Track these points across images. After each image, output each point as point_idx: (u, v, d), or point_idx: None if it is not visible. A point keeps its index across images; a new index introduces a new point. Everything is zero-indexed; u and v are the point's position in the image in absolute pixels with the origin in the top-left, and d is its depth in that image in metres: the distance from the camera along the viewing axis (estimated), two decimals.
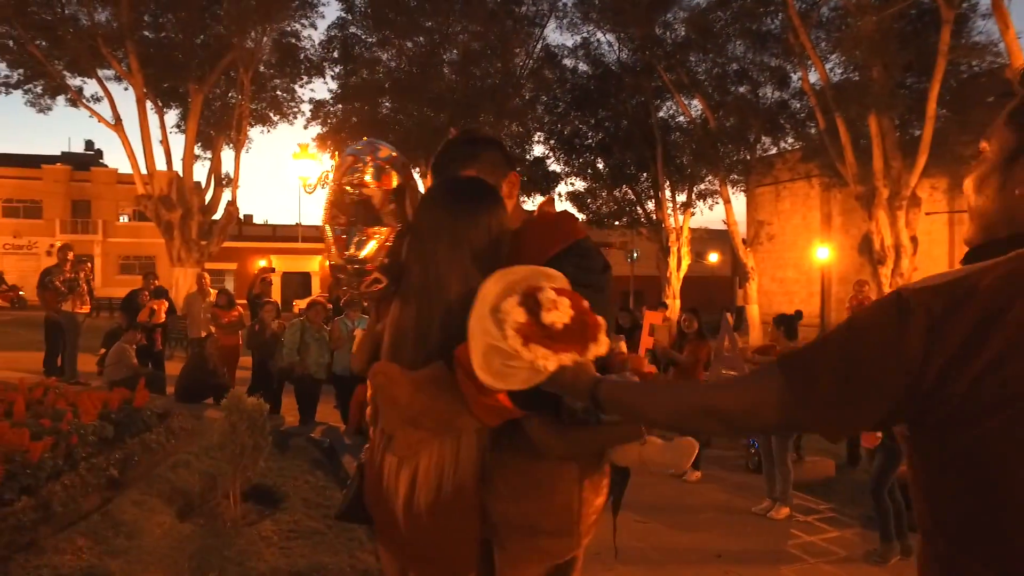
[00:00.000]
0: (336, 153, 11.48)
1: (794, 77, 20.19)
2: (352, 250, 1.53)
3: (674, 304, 24.05)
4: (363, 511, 1.67)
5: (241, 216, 36.75)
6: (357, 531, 4.15)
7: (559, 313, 1.20)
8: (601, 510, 1.71)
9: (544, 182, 26.73)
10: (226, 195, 20.69)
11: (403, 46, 21.71)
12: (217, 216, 20.49)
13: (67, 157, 34.81)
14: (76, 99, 19.07)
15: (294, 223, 33.98)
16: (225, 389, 8.42)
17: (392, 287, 1.58)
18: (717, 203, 24.17)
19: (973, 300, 0.81)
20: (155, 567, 3.30)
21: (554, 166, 26.73)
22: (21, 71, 18.51)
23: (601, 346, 1.26)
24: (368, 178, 1.55)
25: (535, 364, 1.19)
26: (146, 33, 18.80)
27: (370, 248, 1.54)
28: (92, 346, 10.08)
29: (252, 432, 4.01)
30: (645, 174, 24.69)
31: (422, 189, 1.70)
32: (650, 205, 24.91)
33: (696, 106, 22.61)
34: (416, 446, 1.44)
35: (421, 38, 21.60)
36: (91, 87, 19.55)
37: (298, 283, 34.32)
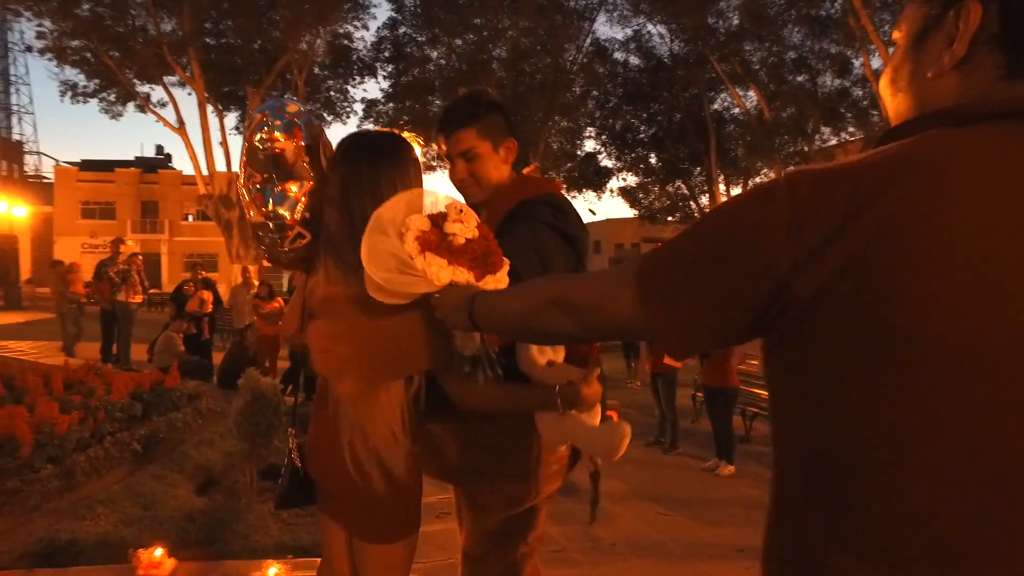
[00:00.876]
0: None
1: (856, 63, 19.31)
2: (271, 206, 1.52)
3: None
4: (301, 493, 1.69)
5: None
6: None
7: (463, 227, 1.18)
8: (565, 460, 1.71)
9: (596, 178, 26.49)
10: None
11: (452, 44, 21.90)
12: None
13: (140, 161, 36.77)
14: (144, 105, 20.10)
15: None
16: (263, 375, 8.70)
17: (314, 242, 1.56)
18: None
19: (843, 184, 0.66)
20: (165, 536, 3.38)
21: (605, 161, 26.46)
22: (96, 81, 19.62)
23: (500, 281, 1.20)
24: (277, 133, 1.53)
25: (427, 272, 1.15)
26: (207, 40, 19.62)
27: (289, 203, 1.53)
28: (148, 336, 10.55)
29: (267, 412, 4.07)
30: (699, 168, 24.15)
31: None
32: (704, 199, 24.32)
33: (751, 97, 21.94)
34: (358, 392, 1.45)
35: (470, 35, 21.73)
36: (158, 93, 20.52)
37: None
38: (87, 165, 35.13)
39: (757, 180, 23.40)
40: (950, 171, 0.63)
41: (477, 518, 1.74)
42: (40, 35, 18.70)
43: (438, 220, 1.19)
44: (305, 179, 1.54)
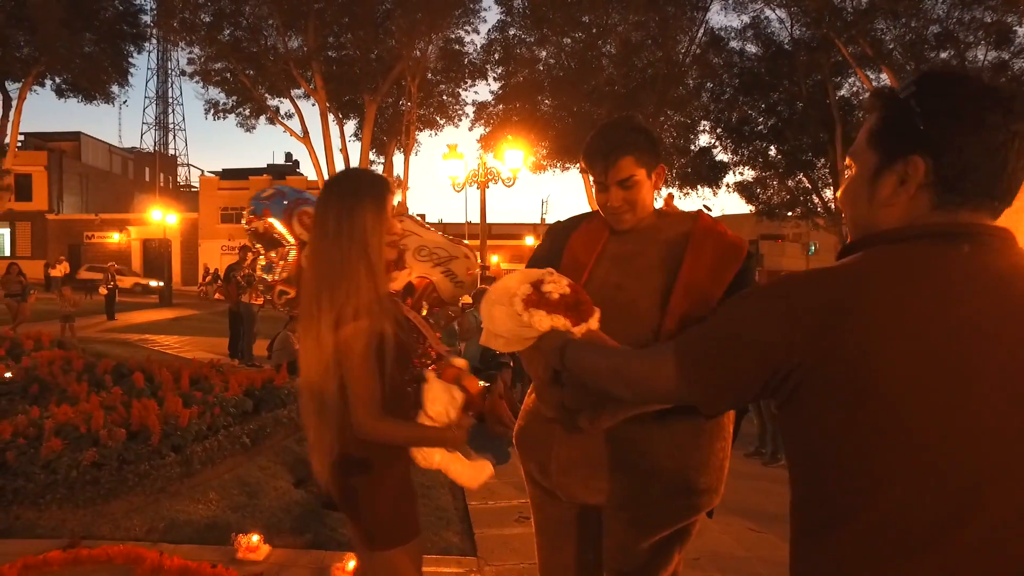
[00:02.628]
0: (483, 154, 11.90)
1: (1019, 32, 17.22)
2: (258, 271, 1.73)
3: None
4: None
5: (416, 216, 39.58)
6: (447, 511, 4.30)
7: (556, 286, 1.46)
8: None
9: (710, 173, 25.54)
10: (398, 196, 22.47)
11: (561, 42, 21.91)
12: None
13: (271, 168, 39.95)
14: (274, 117, 21.82)
15: (463, 221, 35.77)
16: None
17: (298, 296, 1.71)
18: None
19: (824, 289, 0.93)
20: (263, 523, 3.68)
21: (721, 156, 25.43)
22: (234, 98, 21.53)
23: (591, 324, 1.45)
24: (251, 214, 1.74)
25: (531, 322, 1.41)
26: (329, 53, 20.92)
27: (268, 267, 1.73)
28: (271, 333, 11.46)
29: None
30: (823, 159, 22.61)
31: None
32: (828, 193, 22.75)
33: (884, 80, 20.20)
34: None
35: (579, 33, 21.64)
36: (286, 106, 22.17)
37: None
38: (226, 174, 38.66)
39: None
40: (890, 280, 0.91)
41: (638, 534, 1.68)
42: (190, 61, 20.84)
43: (537, 284, 1.48)
44: (287, 245, 1.70)
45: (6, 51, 19.68)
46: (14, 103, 20.83)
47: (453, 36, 21.80)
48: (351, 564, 3.18)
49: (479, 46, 23.00)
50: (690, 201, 25.36)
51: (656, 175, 1.72)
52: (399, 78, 20.90)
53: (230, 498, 4.03)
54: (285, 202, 1.80)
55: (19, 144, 23.88)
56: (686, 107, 23.05)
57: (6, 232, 33.45)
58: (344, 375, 1.57)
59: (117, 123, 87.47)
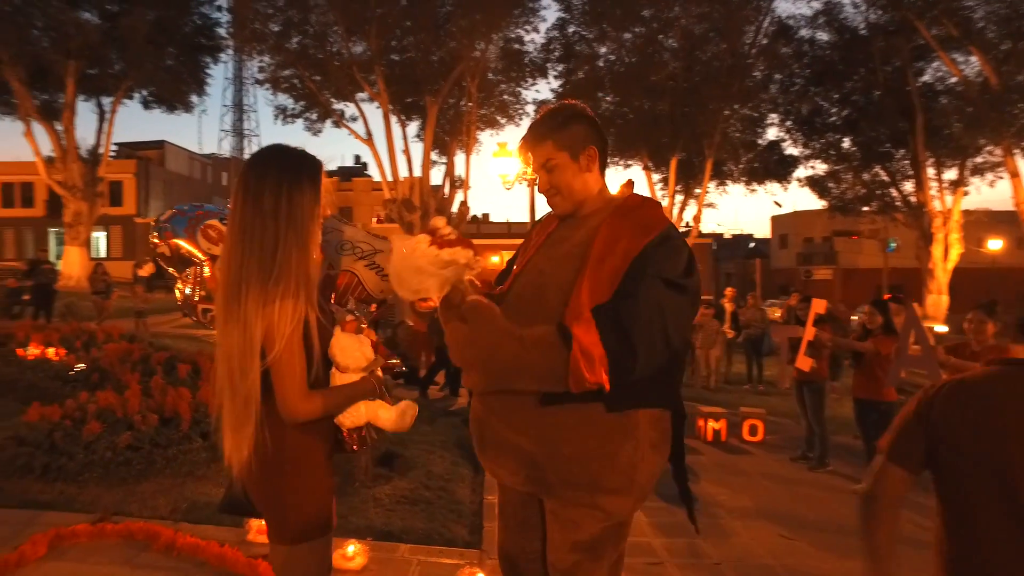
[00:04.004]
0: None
1: None
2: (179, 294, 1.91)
3: (940, 301, 20.43)
4: (244, 503, 1.74)
5: (479, 215, 40.21)
6: (463, 504, 4.31)
7: (447, 230, 1.62)
8: (658, 475, 1.71)
9: (779, 168, 24.59)
10: (459, 196, 22.76)
11: (621, 38, 21.60)
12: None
13: (340, 171, 41.53)
14: (339, 121, 22.49)
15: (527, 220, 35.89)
16: (414, 372, 9.28)
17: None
18: (1000, 178, 20.00)
19: (956, 395, 1.44)
20: None
21: (790, 149, 24.44)
22: (302, 103, 22.35)
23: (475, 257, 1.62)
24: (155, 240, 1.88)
25: (455, 256, 1.55)
26: (392, 56, 21.39)
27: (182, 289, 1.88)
28: None
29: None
30: (902, 150, 21.35)
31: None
32: (908, 186, 21.48)
33: (971, 63, 18.88)
34: None
35: (639, 28, 21.27)
36: (350, 109, 22.84)
37: None
38: None
39: (978, 161, 20.11)
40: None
41: (566, 530, 1.68)
42: (260, 69, 21.80)
43: (432, 233, 1.62)
44: (194, 263, 1.77)
45: (102, 69, 21.22)
46: (107, 116, 22.42)
47: (512, 35, 21.85)
48: (351, 548, 3.25)
49: (538, 45, 22.93)
50: (757, 198, 24.60)
51: (585, 157, 1.71)
52: (460, 79, 21.13)
53: None
54: (185, 219, 1.91)
55: (112, 154, 25.65)
56: (752, 100, 22.27)
57: (102, 235, 35.97)
58: (269, 356, 1.53)
59: (197, 131, 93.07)
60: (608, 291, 1.55)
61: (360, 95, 21.71)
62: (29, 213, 37.20)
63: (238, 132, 60.19)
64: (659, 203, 1.82)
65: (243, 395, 1.54)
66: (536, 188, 1.88)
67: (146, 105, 23.02)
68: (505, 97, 23.56)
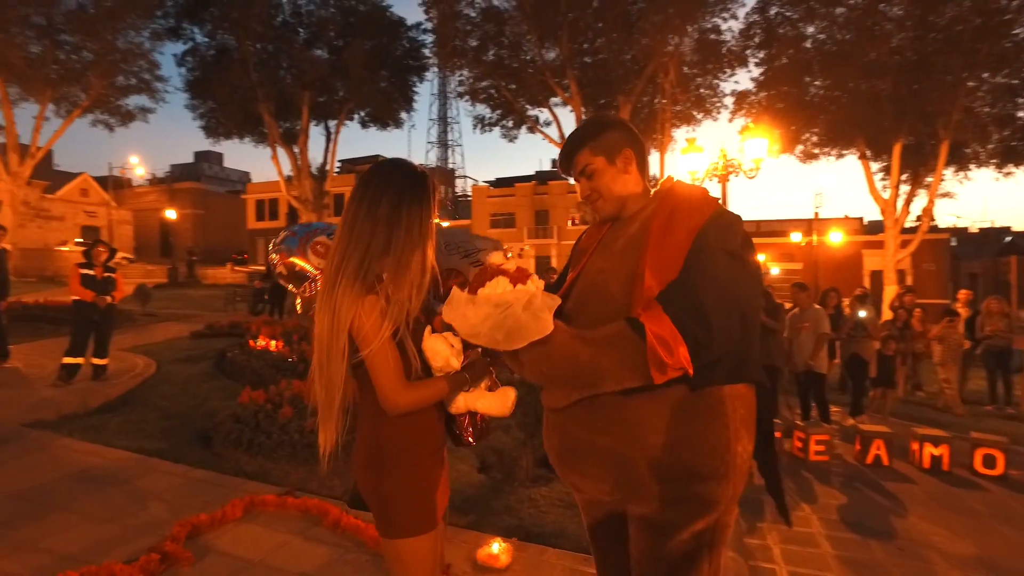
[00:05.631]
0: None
1: None
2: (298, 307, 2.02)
3: None
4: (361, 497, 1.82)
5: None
6: None
7: (510, 264, 1.60)
8: (750, 460, 1.65)
9: None
10: None
11: (832, 13, 19.47)
12: None
13: (538, 175, 42.72)
14: (533, 126, 23.18)
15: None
16: None
17: None
18: None
19: None
20: None
21: None
22: (498, 112, 23.43)
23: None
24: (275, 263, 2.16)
25: (537, 284, 1.54)
26: (585, 59, 21.53)
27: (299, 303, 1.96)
28: None
29: (539, 407, 4.36)
30: None
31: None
32: None
33: None
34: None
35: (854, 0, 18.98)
36: (544, 115, 23.48)
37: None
38: (497, 183, 42.29)
39: None
40: None
41: (658, 537, 1.58)
42: (460, 82, 23.25)
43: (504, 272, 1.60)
44: (309, 278, 1.85)
45: (328, 97, 24.21)
46: (332, 137, 25.49)
47: (708, 25, 20.80)
48: (495, 547, 3.25)
49: (736, 32, 21.52)
50: (1015, 180, 20.59)
51: (622, 159, 1.76)
52: (653, 76, 20.62)
53: None
54: (297, 239, 2.06)
55: (336, 170, 29.09)
56: (1008, 66, 18.70)
57: None
58: (364, 351, 1.60)
59: (407, 144, 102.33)
60: (673, 272, 1.53)
61: (553, 100, 22.19)
62: (275, 224, 43.83)
63: (443, 143, 64.95)
64: (704, 188, 1.82)
65: (327, 378, 1.63)
66: (580, 194, 1.85)
67: (363, 124, 25.72)
68: (702, 91, 22.53)
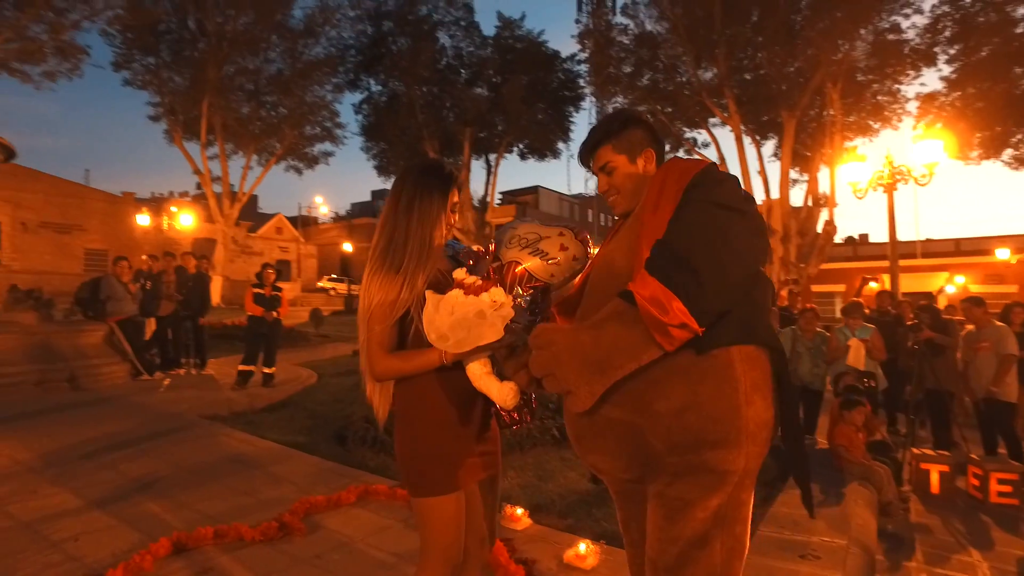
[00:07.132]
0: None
1: None
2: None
3: None
4: None
5: (855, 236, 35.26)
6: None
7: (470, 279, 1.76)
8: (771, 427, 1.55)
9: None
10: (823, 215, 20.50)
11: None
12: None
13: None
14: (691, 149, 22.55)
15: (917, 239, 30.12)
16: None
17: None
18: None
19: None
20: (537, 502, 3.97)
21: None
22: None
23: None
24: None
25: (494, 297, 1.69)
26: (745, 76, 20.62)
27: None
28: None
29: None
30: None
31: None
32: None
33: None
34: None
35: None
36: (701, 136, 22.77)
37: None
38: None
39: None
40: None
41: (672, 514, 1.51)
42: (615, 108, 23.35)
43: (460, 285, 1.77)
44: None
45: (488, 131, 25.52)
46: (492, 169, 26.78)
47: (886, 25, 18.98)
48: (582, 547, 3.21)
49: (921, 27, 19.37)
50: None
51: (643, 159, 1.79)
52: (820, 87, 19.20)
53: (523, 477, 4.46)
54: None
55: (497, 201, 30.39)
56: None
57: None
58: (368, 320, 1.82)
59: (566, 174, 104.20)
60: (661, 232, 1.50)
61: (711, 120, 21.50)
62: None
63: None
64: (706, 159, 1.84)
65: (364, 349, 1.85)
66: (598, 189, 1.89)
67: (522, 156, 26.73)
68: (879, 97, 20.56)
